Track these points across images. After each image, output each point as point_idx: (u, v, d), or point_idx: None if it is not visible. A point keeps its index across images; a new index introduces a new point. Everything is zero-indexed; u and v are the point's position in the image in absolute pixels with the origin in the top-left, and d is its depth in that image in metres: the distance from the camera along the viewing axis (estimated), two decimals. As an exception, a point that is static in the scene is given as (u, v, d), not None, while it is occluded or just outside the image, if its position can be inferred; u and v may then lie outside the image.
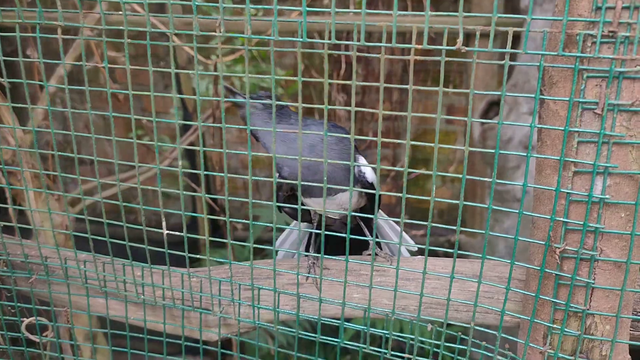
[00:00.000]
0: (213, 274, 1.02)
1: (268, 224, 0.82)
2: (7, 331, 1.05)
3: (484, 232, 0.72)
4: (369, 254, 1.04)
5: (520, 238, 0.72)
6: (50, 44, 2.62)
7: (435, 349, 0.83)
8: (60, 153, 0.90)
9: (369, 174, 1.01)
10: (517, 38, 1.79)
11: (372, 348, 0.88)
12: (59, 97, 2.74)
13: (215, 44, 0.73)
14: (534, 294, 0.75)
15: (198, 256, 0.89)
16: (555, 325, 0.74)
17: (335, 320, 0.88)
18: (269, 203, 0.84)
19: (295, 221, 1.18)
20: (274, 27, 0.69)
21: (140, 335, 1.01)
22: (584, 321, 0.73)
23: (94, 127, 0.85)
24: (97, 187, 0.89)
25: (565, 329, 0.74)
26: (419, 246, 1.02)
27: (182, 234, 0.87)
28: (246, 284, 0.91)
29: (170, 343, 1.01)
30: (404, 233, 1.12)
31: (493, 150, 0.69)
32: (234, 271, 1.02)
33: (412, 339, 0.83)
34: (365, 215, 0.82)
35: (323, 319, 0.88)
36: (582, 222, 0.68)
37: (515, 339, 0.81)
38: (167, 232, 0.87)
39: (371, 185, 1.00)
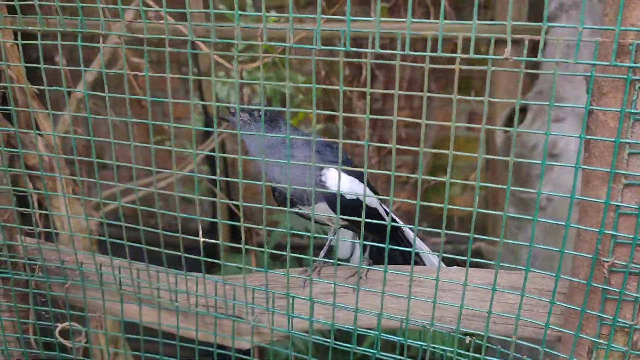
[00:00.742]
0: (252, 281, 1.02)
1: (282, 230, 0.82)
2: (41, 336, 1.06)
3: (505, 240, 0.71)
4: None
5: (538, 246, 0.70)
6: (77, 50, 2.65)
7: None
8: (80, 158, 0.91)
9: (332, 180, 0.95)
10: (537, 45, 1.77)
11: (383, 354, 0.87)
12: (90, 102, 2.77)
13: (236, 51, 0.74)
14: (578, 308, 0.73)
15: (215, 261, 0.90)
16: (601, 341, 0.73)
17: (371, 331, 0.87)
18: (283, 209, 0.84)
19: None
20: (290, 33, 0.68)
21: (173, 342, 1.00)
22: (631, 336, 0.72)
23: (118, 132, 0.86)
24: (119, 191, 0.89)
25: (612, 344, 0.72)
26: (442, 254, 0.99)
27: (217, 241, 0.87)
28: (281, 292, 0.91)
29: (191, 349, 1.01)
30: (422, 243, 1.10)
31: (508, 158, 0.68)
32: (264, 279, 1.02)
33: (450, 352, 0.82)
34: (353, 218, 0.79)
35: (359, 329, 0.87)
36: (632, 236, 0.67)
37: (556, 353, 0.79)
38: (204, 239, 0.87)
39: (354, 197, 0.95)
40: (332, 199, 0.94)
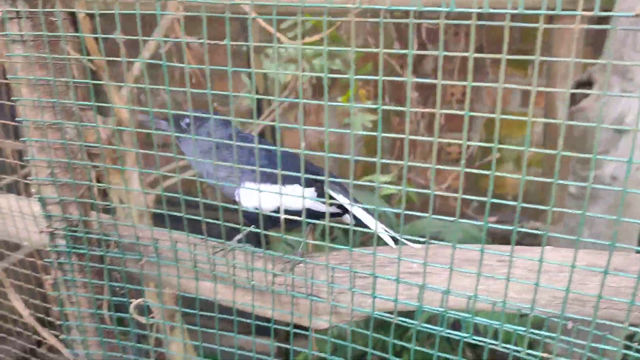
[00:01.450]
0: (323, 260, 0.98)
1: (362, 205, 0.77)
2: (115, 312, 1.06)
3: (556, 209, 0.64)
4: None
5: (591, 214, 0.63)
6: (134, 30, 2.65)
7: (579, 350, 0.76)
8: (137, 130, 0.88)
9: (244, 199, 0.93)
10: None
11: (449, 331, 0.82)
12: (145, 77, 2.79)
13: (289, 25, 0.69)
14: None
15: (297, 239, 0.86)
16: None
17: (464, 314, 0.82)
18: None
19: None
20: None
21: (248, 321, 0.99)
22: None
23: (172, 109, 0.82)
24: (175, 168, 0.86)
25: None
26: (497, 226, 0.93)
27: (300, 218, 0.83)
28: (364, 272, 0.87)
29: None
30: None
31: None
32: (343, 257, 0.98)
33: (551, 338, 0.76)
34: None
35: (450, 312, 0.83)
36: None
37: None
38: (285, 216, 0.84)
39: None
40: (248, 214, 0.92)
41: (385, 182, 2.90)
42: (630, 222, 0.65)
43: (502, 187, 3.08)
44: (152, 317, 1.04)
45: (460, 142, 0.67)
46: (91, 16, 1.21)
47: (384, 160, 0.71)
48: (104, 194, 2.01)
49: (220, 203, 0.84)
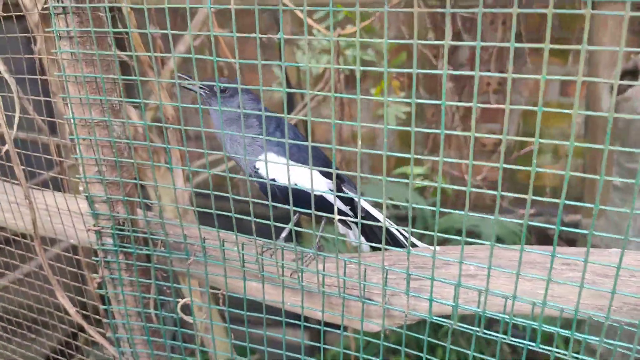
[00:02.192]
0: (375, 261, 0.95)
1: (403, 204, 0.74)
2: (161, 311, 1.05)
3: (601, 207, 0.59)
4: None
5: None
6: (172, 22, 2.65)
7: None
8: (169, 126, 0.86)
9: (263, 169, 0.92)
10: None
11: (514, 340, 0.79)
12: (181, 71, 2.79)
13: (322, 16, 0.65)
14: None
15: (350, 240, 0.83)
16: None
17: (531, 322, 0.78)
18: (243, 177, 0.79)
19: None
20: None
21: (297, 322, 0.96)
22: None
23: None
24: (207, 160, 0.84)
25: None
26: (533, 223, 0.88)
27: (356, 220, 0.80)
28: (422, 275, 0.83)
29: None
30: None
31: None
32: (394, 259, 0.95)
33: (628, 348, 0.72)
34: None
35: (515, 318, 0.79)
36: None
37: None
38: (338, 217, 0.81)
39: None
40: (263, 186, 0.94)
41: (419, 174, 2.85)
42: None
43: (539, 179, 2.99)
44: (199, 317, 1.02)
45: (500, 137, 0.63)
46: (136, 11, 1.19)
47: (417, 156, 0.67)
48: (141, 188, 2.01)
49: (250, 198, 0.81)
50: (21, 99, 0.98)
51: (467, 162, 0.66)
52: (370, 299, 0.91)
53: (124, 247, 0.98)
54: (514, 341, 0.81)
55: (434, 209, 0.71)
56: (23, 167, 0.96)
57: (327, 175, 0.98)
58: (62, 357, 1.49)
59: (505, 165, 0.65)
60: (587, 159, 2.69)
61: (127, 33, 0.87)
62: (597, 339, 0.72)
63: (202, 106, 0.81)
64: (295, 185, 0.94)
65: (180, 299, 1.00)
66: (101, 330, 1.12)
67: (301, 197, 0.87)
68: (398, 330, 0.92)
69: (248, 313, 0.96)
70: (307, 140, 0.89)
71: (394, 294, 0.90)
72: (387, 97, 0.67)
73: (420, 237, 1.07)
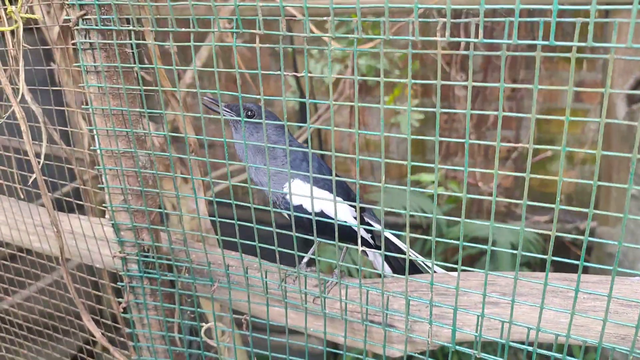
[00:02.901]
0: (396, 287, 0.96)
1: (426, 214, 0.74)
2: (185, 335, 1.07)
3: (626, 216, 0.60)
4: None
5: None
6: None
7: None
8: (190, 136, 0.88)
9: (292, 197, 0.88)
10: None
11: None
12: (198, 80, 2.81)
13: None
14: None
15: (373, 270, 0.84)
16: None
17: (555, 354, 0.79)
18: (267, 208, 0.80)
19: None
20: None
21: (320, 347, 0.98)
22: None
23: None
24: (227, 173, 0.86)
25: None
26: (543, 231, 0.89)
27: (378, 250, 0.81)
28: (444, 304, 0.84)
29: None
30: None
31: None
32: (415, 285, 0.96)
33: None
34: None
35: (539, 349, 0.80)
36: None
37: None
38: (362, 248, 0.82)
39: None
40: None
41: (432, 181, 2.85)
42: None
43: (553, 185, 2.98)
44: (223, 341, 1.04)
45: (526, 145, 0.63)
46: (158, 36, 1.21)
47: (431, 165, 0.69)
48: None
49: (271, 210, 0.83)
50: (47, 128, 1.00)
51: (493, 172, 0.67)
52: (392, 325, 0.92)
53: (149, 273, 1.00)
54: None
55: (450, 218, 0.72)
56: (50, 195, 0.98)
57: (350, 202, 1.00)
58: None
59: (532, 175, 0.65)
60: (603, 164, 2.67)
61: (153, 68, 0.89)
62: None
63: (226, 139, 0.82)
64: (322, 211, 0.95)
65: (204, 323, 1.01)
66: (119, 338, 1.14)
67: (326, 225, 0.88)
68: (420, 356, 0.93)
69: (271, 338, 0.98)
70: (330, 170, 0.91)
71: (415, 321, 0.91)
72: (410, 107, 0.68)
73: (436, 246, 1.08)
